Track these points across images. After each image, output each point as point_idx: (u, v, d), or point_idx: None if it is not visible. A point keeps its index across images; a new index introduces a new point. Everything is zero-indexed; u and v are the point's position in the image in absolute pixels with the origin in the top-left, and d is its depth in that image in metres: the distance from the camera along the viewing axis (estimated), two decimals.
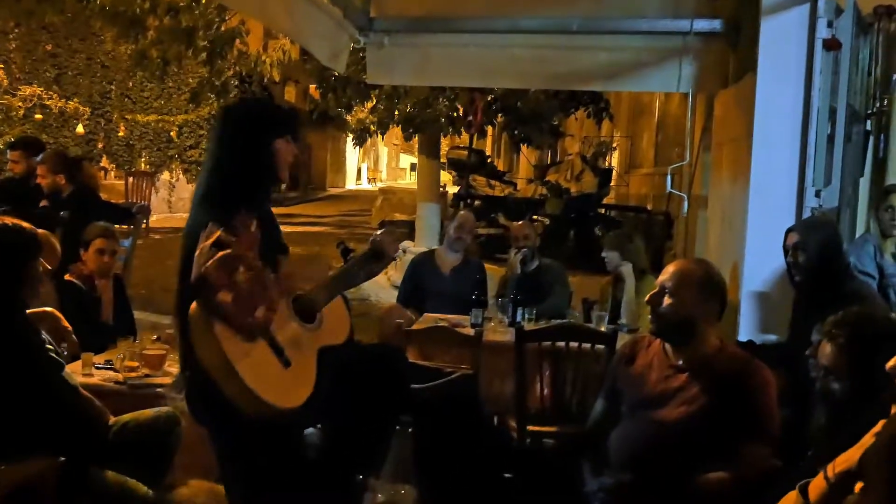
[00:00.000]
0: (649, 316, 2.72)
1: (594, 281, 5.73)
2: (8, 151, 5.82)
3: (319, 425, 2.45)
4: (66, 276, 4.06)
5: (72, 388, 2.70)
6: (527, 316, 4.55)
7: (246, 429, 2.23)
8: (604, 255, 4.82)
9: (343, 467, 2.21)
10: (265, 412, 2.16)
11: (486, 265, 5.50)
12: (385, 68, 5.29)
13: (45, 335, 2.78)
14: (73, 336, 3.34)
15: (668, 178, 5.23)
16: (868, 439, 1.66)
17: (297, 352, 2.29)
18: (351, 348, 2.58)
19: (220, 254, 2.10)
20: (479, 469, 2.49)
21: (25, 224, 2.70)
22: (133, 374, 3.37)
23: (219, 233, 2.15)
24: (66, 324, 3.33)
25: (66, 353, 3.22)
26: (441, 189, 12.74)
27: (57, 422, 2.63)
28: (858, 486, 1.63)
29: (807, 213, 3.88)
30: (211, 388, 2.18)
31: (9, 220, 2.67)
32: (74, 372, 3.07)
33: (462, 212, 6.20)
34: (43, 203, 5.21)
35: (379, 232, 2.61)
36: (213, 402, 2.19)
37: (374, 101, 10.59)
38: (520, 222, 5.42)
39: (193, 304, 2.17)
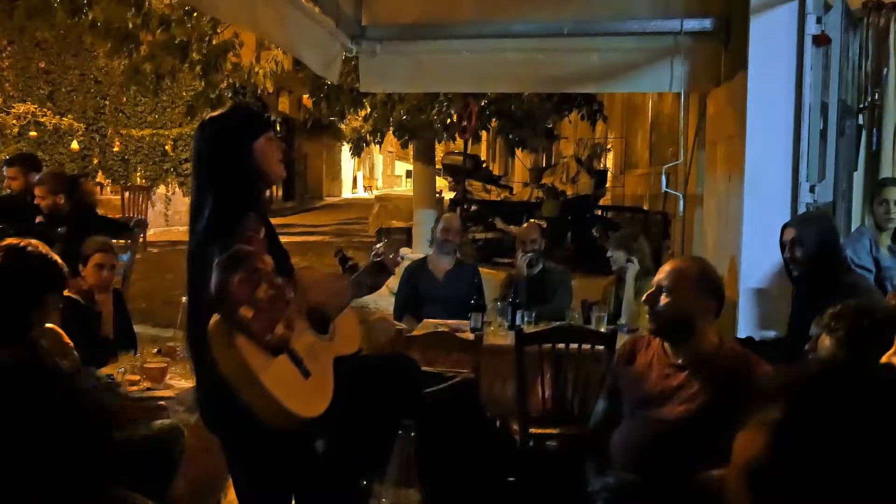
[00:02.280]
0: (647, 315, 2.73)
1: (592, 282, 5.73)
2: (4, 168, 5.82)
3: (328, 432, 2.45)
4: (66, 292, 4.05)
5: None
6: (526, 319, 4.55)
7: (260, 437, 2.23)
8: (609, 254, 4.81)
9: (348, 473, 2.21)
10: (288, 422, 2.16)
11: (485, 269, 5.49)
12: (378, 76, 5.31)
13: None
14: (75, 352, 3.35)
15: (664, 177, 5.25)
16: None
17: (315, 362, 2.30)
18: (364, 358, 2.59)
19: (244, 270, 2.08)
20: (483, 472, 2.49)
21: (57, 258, 2.73)
22: (135, 388, 3.38)
23: (241, 246, 2.14)
24: (68, 339, 3.33)
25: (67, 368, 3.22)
26: (437, 195, 12.75)
27: (60, 439, 2.64)
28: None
29: (802, 209, 3.90)
30: (227, 398, 2.18)
31: (42, 248, 2.70)
32: None
33: (446, 214, 6.11)
34: (39, 219, 5.21)
35: (379, 244, 2.62)
36: (228, 411, 2.19)
37: (369, 109, 10.61)
38: (526, 225, 5.39)
39: (214, 317, 2.16)
